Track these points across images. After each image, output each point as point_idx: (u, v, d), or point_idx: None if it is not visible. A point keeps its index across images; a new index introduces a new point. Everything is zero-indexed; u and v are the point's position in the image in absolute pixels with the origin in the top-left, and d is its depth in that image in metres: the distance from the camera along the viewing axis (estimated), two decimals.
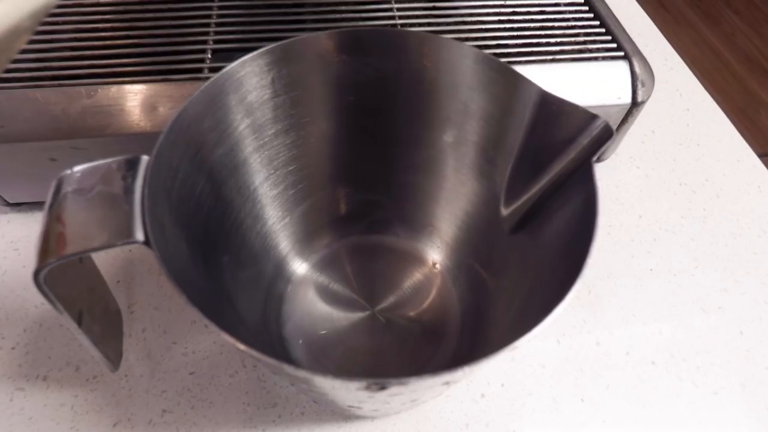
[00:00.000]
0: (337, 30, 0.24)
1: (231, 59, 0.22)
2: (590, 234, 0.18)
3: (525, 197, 0.24)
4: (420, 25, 0.34)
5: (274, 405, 0.27)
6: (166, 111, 0.29)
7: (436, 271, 0.31)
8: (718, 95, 1.20)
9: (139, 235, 0.17)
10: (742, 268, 0.33)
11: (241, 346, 0.15)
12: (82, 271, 0.21)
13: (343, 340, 0.28)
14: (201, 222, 0.22)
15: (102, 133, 0.28)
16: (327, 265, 0.31)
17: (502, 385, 0.28)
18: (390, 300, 0.29)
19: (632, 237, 0.34)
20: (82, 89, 0.28)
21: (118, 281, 0.30)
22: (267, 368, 0.27)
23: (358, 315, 0.29)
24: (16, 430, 0.25)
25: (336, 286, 0.30)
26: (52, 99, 0.28)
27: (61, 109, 0.28)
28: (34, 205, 0.33)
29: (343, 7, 0.35)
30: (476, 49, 0.23)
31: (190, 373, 0.27)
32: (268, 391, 0.27)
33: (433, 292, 0.30)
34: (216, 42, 0.32)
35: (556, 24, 0.35)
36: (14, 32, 0.11)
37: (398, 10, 0.35)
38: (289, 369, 0.15)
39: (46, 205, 0.17)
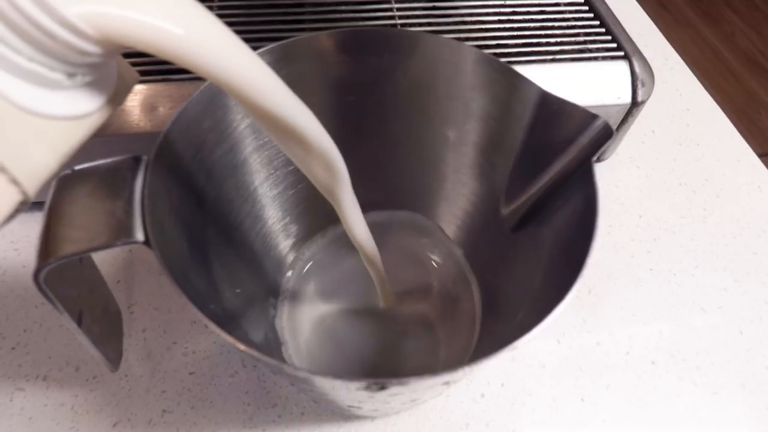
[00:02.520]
0: (336, 30, 0.24)
1: None
2: (590, 234, 0.18)
3: (525, 197, 0.24)
4: (420, 25, 0.34)
5: (274, 405, 0.27)
6: (166, 111, 0.29)
7: (436, 271, 0.31)
8: (718, 95, 1.20)
9: (139, 235, 0.17)
10: (742, 268, 0.33)
11: (241, 346, 0.15)
12: (82, 271, 0.21)
13: (343, 339, 0.28)
14: (201, 222, 0.22)
15: (102, 133, 0.28)
16: (327, 264, 0.31)
17: (502, 385, 0.28)
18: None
19: (632, 237, 0.34)
20: None
21: (118, 281, 0.30)
22: (267, 368, 0.27)
23: (358, 315, 0.29)
24: (16, 430, 0.25)
25: (336, 286, 0.30)
26: None
27: None
28: (34, 205, 0.33)
29: (343, 7, 0.35)
30: (476, 49, 0.23)
31: (190, 373, 0.27)
32: (268, 391, 0.27)
33: (434, 292, 0.30)
34: None
35: (556, 24, 0.35)
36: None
37: (398, 10, 0.35)
38: (289, 369, 0.15)
39: (46, 205, 0.17)
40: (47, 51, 0.11)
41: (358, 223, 0.23)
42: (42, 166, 0.12)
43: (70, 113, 0.12)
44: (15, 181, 0.11)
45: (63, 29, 0.11)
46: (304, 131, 0.17)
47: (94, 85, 0.13)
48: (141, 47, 0.12)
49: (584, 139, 0.21)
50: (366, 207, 0.31)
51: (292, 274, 0.30)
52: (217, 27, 0.14)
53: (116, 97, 0.14)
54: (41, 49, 0.11)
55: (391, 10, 0.35)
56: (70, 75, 0.12)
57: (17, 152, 0.11)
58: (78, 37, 0.11)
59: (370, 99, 0.26)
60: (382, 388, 0.15)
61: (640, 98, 0.33)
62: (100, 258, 0.31)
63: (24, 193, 0.12)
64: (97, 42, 0.12)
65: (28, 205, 0.12)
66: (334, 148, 0.19)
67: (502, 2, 0.36)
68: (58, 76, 0.12)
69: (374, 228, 0.31)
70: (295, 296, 0.29)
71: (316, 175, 0.20)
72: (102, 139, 0.28)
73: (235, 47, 0.14)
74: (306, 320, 0.28)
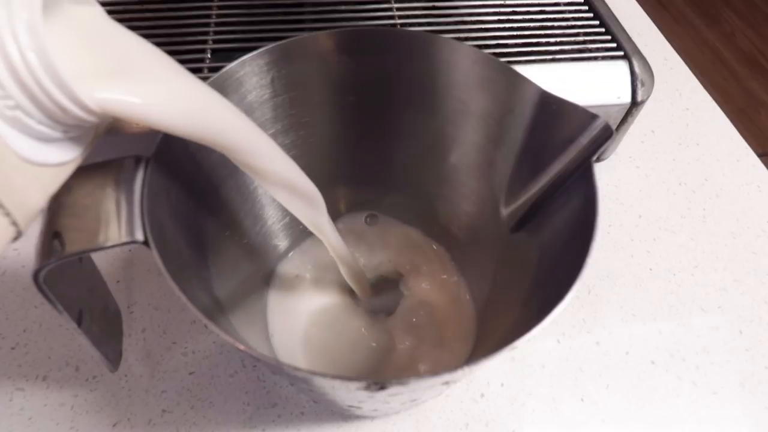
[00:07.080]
0: (336, 30, 0.24)
1: (230, 59, 0.22)
2: (590, 234, 0.18)
3: (525, 197, 0.24)
4: (420, 25, 0.34)
5: (274, 405, 0.27)
6: None
7: (434, 269, 0.31)
8: (718, 95, 1.20)
9: (139, 235, 0.17)
10: (742, 267, 0.33)
11: (241, 346, 0.15)
12: (81, 271, 0.21)
13: (343, 339, 0.28)
14: (201, 222, 0.22)
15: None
16: (327, 264, 0.31)
17: (502, 385, 0.28)
18: (389, 298, 0.29)
19: (632, 237, 0.34)
20: None
21: (118, 281, 0.30)
22: (267, 368, 0.27)
23: (358, 314, 0.29)
24: (16, 430, 0.25)
25: (336, 285, 0.30)
26: None
27: None
28: None
29: (343, 7, 0.35)
30: (476, 49, 0.23)
31: (190, 373, 0.27)
32: (268, 391, 0.27)
33: (432, 290, 0.30)
34: (215, 42, 0.32)
35: (556, 24, 0.35)
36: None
37: (398, 10, 0.35)
38: (289, 369, 0.15)
39: (46, 206, 0.17)
40: (55, 118, 0.13)
41: (339, 242, 0.26)
42: (35, 207, 0.14)
43: (61, 160, 0.15)
44: (15, 223, 0.13)
45: (77, 108, 0.13)
46: (295, 183, 0.21)
47: (80, 135, 0.15)
48: (144, 125, 0.15)
49: (584, 139, 0.21)
50: (365, 206, 0.31)
51: (292, 273, 0.30)
52: (217, 105, 0.17)
53: (94, 141, 0.16)
54: (51, 117, 0.13)
55: (390, 10, 0.35)
56: (65, 131, 0.14)
57: (19, 198, 0.13)
58: (86, 113, 0.14)
59: (369, 99, 0.26)
60: (382, 388, 0.15)
61: (639, 98, 0.33)
62: (100, 258, 0.31)
63: (19, 231, 0.14)
64: (99, 115, 0.14)
65: (18, 239, 0.14)
66: (311, 183, 0.22)
67: (502, 2, 0.36)
68: (57, 133, 0.14)
69: (373, 227, 0.32)
70: (292, 294, 0.29)
71: (302, 212, 0.23)
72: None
73: (237, 124, 0.18)
74: (303, 317, 0.28)
